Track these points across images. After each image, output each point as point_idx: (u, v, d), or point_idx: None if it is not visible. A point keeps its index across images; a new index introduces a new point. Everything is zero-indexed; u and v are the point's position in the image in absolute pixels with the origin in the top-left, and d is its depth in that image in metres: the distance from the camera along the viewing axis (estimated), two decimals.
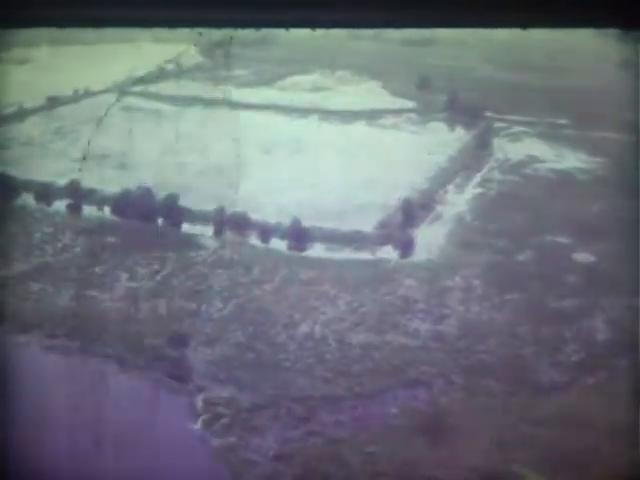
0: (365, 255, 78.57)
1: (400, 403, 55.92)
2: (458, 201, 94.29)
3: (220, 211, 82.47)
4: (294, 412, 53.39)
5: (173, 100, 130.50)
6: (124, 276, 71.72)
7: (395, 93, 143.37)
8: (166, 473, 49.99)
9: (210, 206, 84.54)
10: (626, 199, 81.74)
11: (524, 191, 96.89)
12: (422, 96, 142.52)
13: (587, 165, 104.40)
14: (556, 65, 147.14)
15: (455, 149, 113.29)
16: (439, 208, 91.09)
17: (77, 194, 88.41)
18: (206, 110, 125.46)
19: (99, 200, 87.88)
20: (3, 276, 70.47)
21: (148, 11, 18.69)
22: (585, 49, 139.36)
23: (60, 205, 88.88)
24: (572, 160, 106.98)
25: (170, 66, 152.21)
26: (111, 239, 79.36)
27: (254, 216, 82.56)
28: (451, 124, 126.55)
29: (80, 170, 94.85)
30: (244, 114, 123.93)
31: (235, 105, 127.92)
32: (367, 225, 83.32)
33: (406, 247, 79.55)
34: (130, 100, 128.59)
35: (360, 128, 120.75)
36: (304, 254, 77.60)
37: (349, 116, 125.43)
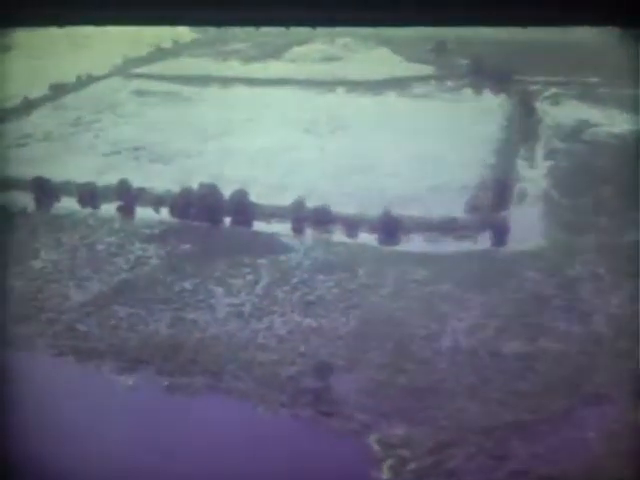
0: (467, 245, 69.18)
1: (592, 424, 47.20)
2: (533, 176, 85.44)
3: (299, 205, 72.32)
4: (486, 448, 44.69)
5: (185, 81, 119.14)
6: (218, 291, 61.89)
7: (410, 59, 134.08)
8: None
9: (271, 199, 74.39)
10: None
11: (594, 160, 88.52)
12: (441, 61, 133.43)
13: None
14: None
15: (501, 117, 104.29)
16: (518, 186, 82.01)
17: (128, 195, 77.13)
18: (224, 89, 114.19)
19: (154, 200, 76.95)
20: (80, 302, 59.84)
21: (148, 10, 20.69)
22: None
23: (108, 208, 77.26)
24: (621, 122, 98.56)
25: (167, 45, 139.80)
26: (185, 246, 68.66)
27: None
28: (479, 89, 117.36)
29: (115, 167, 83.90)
30: (264, 91, 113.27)
31: (252, 82, 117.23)
32: (449, 209, 73.95)
33: (502, 232, 70.63)
34: (139, 83, 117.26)
35: (392, 99, 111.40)
36: (404, 249, 68.15)
37: (376, 86, 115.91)
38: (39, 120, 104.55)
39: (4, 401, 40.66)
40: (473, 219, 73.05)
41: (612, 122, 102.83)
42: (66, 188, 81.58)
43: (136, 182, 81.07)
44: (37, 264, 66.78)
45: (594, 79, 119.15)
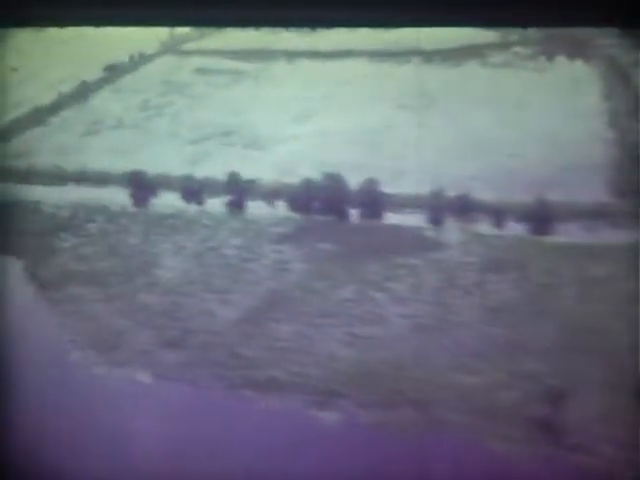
0: (626, 233, 60.88)
1: None
2: None
3: (437, 195, 63.66)
4: None
5: (244, 56, 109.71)
6: (382, 298, 53.23)
7: None
8: None
9: (394, 187, 68.30)
10: None
11: None
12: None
13: None
14: None
15: (594, 85, 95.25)
16: None
17: (238, 188, 68.24)
18: (291, 65, 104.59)
19: (268, 193, 67.91)
20: (232, 320, 51.44)
21: (148, 10, 21.34)
22: None
23: (213, 203, 68.29)
24: None
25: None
26: (324, 245, 60.09)
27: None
28: (552, 56, 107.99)
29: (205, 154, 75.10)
30: (333, 64, 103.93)
31: (317, 55, 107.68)
32: (592, 193, 65.68)
33: None
34: (197, 61, 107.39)
35: (475, 69, 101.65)
36: (562, 239, 59.74)
37: (452, 55, 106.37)
38: (101, 104, 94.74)
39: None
40: (627, 204, 64.42)
41: None
42: (165, 182, 71.92)
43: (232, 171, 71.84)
44: (163, 274, 57.97)
45: None
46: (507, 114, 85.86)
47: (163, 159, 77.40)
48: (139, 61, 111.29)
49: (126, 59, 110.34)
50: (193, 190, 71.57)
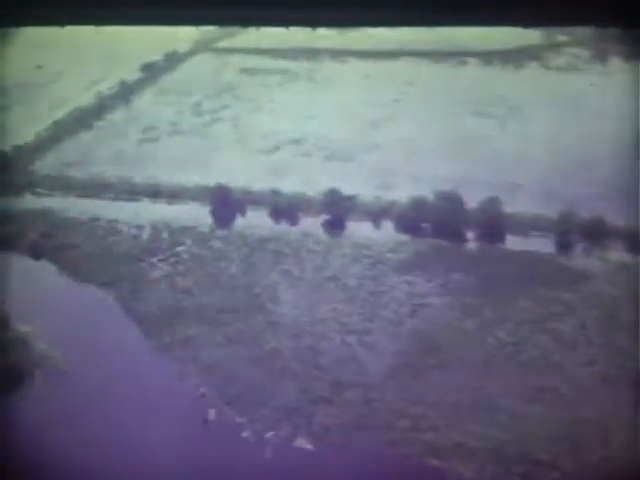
0: None
1: None
2: None
3: (567, 216, 56.57)
4: None
5: (287, 54, 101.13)
6: (546, 340, 46.11)
7: None
8: None
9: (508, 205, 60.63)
10: None
11: None
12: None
13: None
14: None
15: None
16: None
17: (338, 206, 60.47)
18: (341, 64, 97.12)
19: (370, 212, 60.27)
20: (377, 368, 43.83)
21: (148, 10, 21.01)
22: None
23: (309, 223, 60.51)
24: None
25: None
26: (456, 276, 52.57)
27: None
28: (604, 56, 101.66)
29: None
30: (385, 65, 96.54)
31: (365, 54, 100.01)
32: None
33: None
34: (239, 60, 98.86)
35: (537, 72, 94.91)
36: None
37: (510, 57, 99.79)
38: (149, 108, 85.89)
39: None
40: None
41: None
42: (247, 198, 63.82)
43: (322, 186, 63.91)
44: (284, 310, 50.19)
45: None
46: (588, 121, 78.79)
47: (236, 171, 69.50)
48: (175, 60, 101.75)
49: (159, 57, 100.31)
50: (282, 207, 63.35)
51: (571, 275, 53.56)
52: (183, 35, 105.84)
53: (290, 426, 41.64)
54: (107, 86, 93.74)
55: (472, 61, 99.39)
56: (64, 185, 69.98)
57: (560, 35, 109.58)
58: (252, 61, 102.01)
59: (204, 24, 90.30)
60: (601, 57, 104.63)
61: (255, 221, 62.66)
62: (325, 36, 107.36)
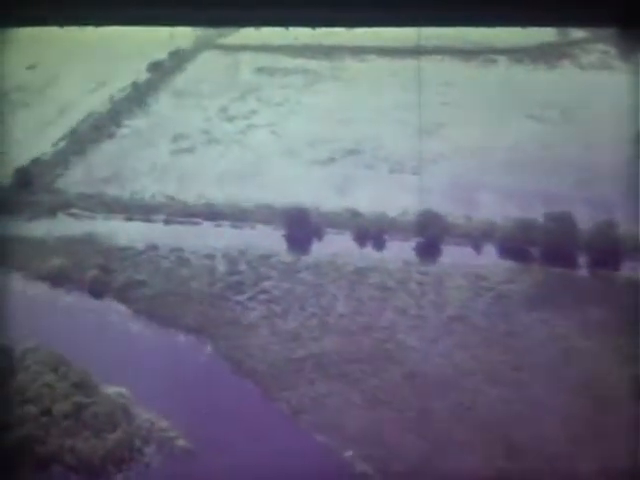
0: None
1: None
2: None
3: None
4: None
5: (301, 52, 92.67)
6: None
7: None
8: None
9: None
10: None
11: None
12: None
13: None
14: None
15: None
16: None
17: (431, 228, 53.25)
18: (362, 63, 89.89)
19: (473, 234, 53.23)
20: (554, 432, 36.75)
21: (148, 10, 21.00)
22: None
23: (399, 248, 53.36)
24: None
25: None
26: (596, 312, 46.02)
27: None
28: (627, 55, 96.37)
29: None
30: (411, 63, 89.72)
31: (384, 52, 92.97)
32: None
33: None
34: (252, 59, 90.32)
35: (572, 72, 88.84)
36: None
37: (539, 55, 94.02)
38: (171, 112, 76.77)
39: None
40: None
41: None
42: (321, 219, 55.96)
43: (400, 204, 56.59)
44: (416, 359, 42.60)
45: None
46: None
47: (293, 186, 61.67)
48: (181, 58, 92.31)
49: (163, 56, 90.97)
50: (364, 230, 55.52)
51: None
52: (183, 31, 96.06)
53: None
54: (116, 88, 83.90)
55: (501, 59, 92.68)
56: (103, 205, 61.00)
57: (575, 31, 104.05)
58: (265, 60, 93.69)
59: (204, 25, 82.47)
60: (627, 54, 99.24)
61: (338, 247, 54.83)
62: (334, 33, 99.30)
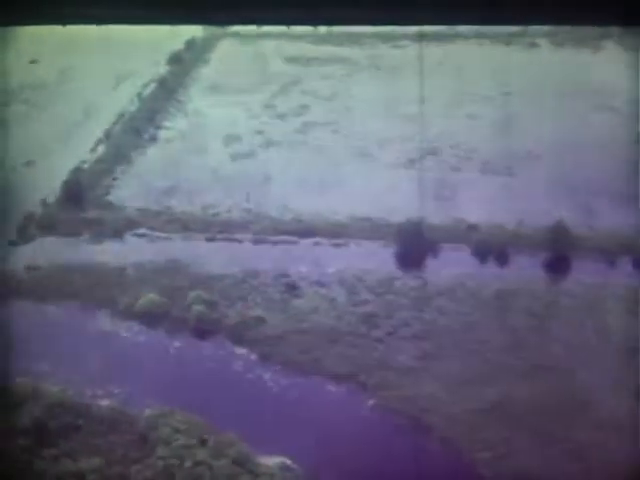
0: None
1: None
2: None
3: None
4: None
5: (335, 40, 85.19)
6: None
7: None
8: None
9: None
10: None
11: None
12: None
13: None
14: None
15: None
16: None
17: (563, 243, 47.21)
18: (400, 50, 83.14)
19: (600, 248, 47.55)
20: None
21: (148, 10, 20.42)
22: None
23: (528, 264, 47.57)
24: None
25: None
26: None
27: None
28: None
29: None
30: (445, 49, 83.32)
31: (418, 37, 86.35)
32: None
33: None
34: (273, 46, 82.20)
35: (617, 54, 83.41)
36: None
37: (580, 38, 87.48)
38: (211, 111, 69.05)
39: None
40: None
41: None
42: (436, 235, 49.30)
43: (509, 213, 50.58)
44: (606, 406, 36.23)
45: None
46: None
47: (387, 194, 54.09)
48: (199, 49, 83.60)
49: (179, 46, 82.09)
50: (483, 244, 48.94)
51: None
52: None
53: None
54: (139, 84, 74.97)
55: (542, 42, 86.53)
56: (174, 222, 52.37)
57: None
58: (291, 48, 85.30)
59: (203, 24, 73.90)
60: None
61: (459, 265, 47.56)
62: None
